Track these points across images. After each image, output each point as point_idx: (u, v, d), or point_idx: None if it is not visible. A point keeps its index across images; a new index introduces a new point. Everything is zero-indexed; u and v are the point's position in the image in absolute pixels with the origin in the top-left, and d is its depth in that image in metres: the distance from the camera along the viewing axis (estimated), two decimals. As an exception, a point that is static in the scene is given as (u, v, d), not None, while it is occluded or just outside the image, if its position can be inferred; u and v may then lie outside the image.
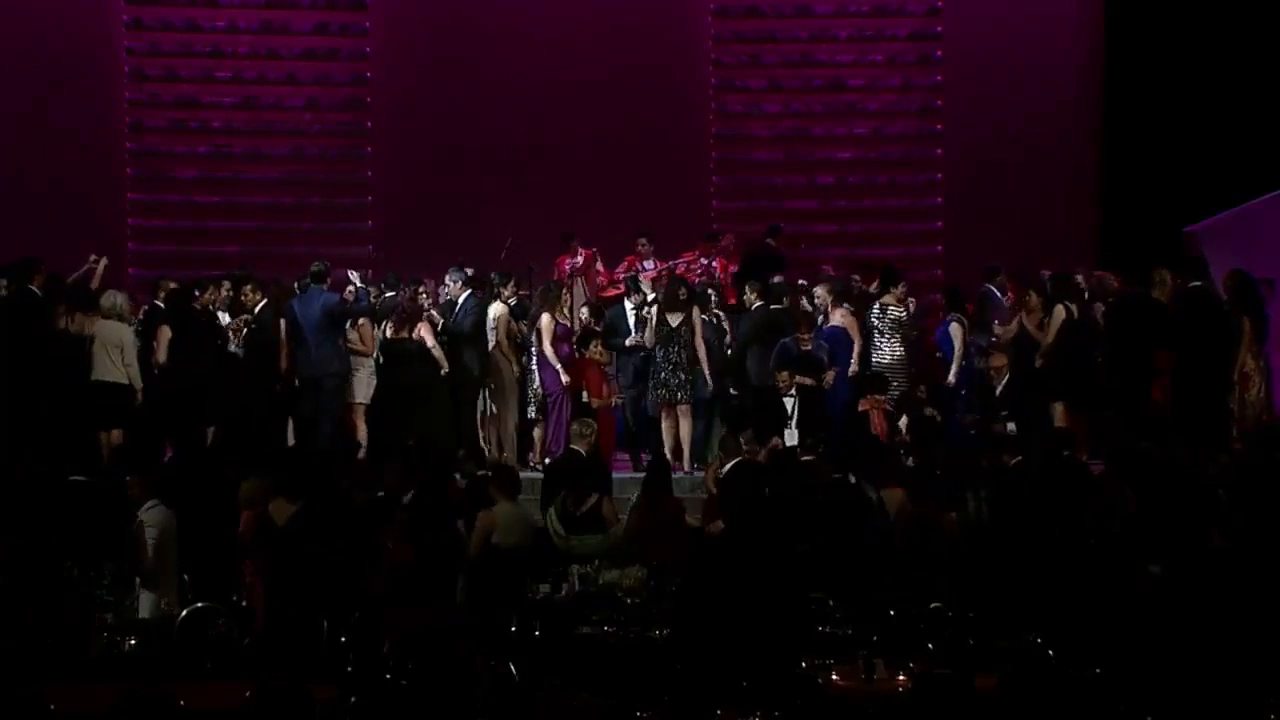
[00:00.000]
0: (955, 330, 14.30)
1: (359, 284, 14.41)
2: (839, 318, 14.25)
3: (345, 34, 18.94)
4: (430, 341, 13.90)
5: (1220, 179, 15.89)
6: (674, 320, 13.76)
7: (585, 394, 13.72)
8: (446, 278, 14.73)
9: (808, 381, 13.46)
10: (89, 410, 13.11)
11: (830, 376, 13.61)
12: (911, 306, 14.70)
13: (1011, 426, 13.08)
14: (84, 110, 18.09)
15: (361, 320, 13.88)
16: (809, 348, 13.64)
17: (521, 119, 18.36)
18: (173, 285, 14.19)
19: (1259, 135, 16.43)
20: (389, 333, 14.00)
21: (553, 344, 13.91)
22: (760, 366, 13.93)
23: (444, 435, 13.54)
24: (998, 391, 13.73)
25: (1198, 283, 13.43)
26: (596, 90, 18.38)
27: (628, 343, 14.11)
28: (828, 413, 13.50)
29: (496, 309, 14.27)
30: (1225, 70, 16.97)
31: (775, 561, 9.55)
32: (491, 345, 14.19)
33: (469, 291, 14.36)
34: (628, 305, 14.41)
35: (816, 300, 14.65)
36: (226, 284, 14.34)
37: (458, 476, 11.47)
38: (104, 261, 14.04)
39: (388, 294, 14.58)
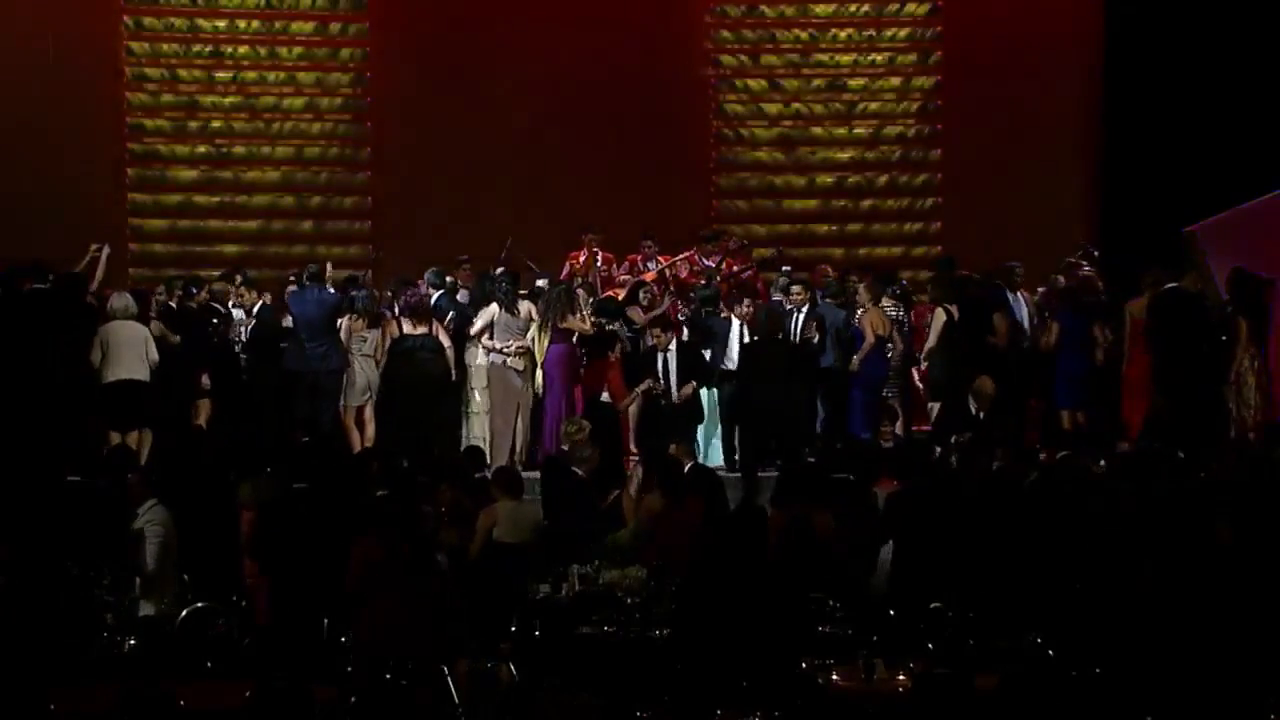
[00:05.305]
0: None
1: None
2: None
3: (345, 36, 18.94)
4: (447, 342, 13.86)
5: (1220, 179, 15.87)
6: None
7: (607, 396, 13.72)
8: (424, 278, 14.67)
9: None
10: (109, 409, 13.11)
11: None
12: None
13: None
14: (84, 112, 18.07)
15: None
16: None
17: (521, 119, 18.33)
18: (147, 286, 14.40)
19: (1259, 135, 16.41)
20: (405, 328, 13.91)
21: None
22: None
23: (453, 435, 13.56)
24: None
25: (1174, 284, 13.46)
26: (596, 90, 18.35)
27: (726, 364, 14.12)
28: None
29: (527, 306, 14.20)
30: (1225, 71, 16.95)
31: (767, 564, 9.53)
32: (518, 344, 14.07)
33: (440, 293, 14.35)
34: (734, 320, 14.30)
35: (857, 298, 14.58)
36: (240, 277, 14.50)
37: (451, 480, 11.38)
38: (106, 249, 14.01)
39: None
